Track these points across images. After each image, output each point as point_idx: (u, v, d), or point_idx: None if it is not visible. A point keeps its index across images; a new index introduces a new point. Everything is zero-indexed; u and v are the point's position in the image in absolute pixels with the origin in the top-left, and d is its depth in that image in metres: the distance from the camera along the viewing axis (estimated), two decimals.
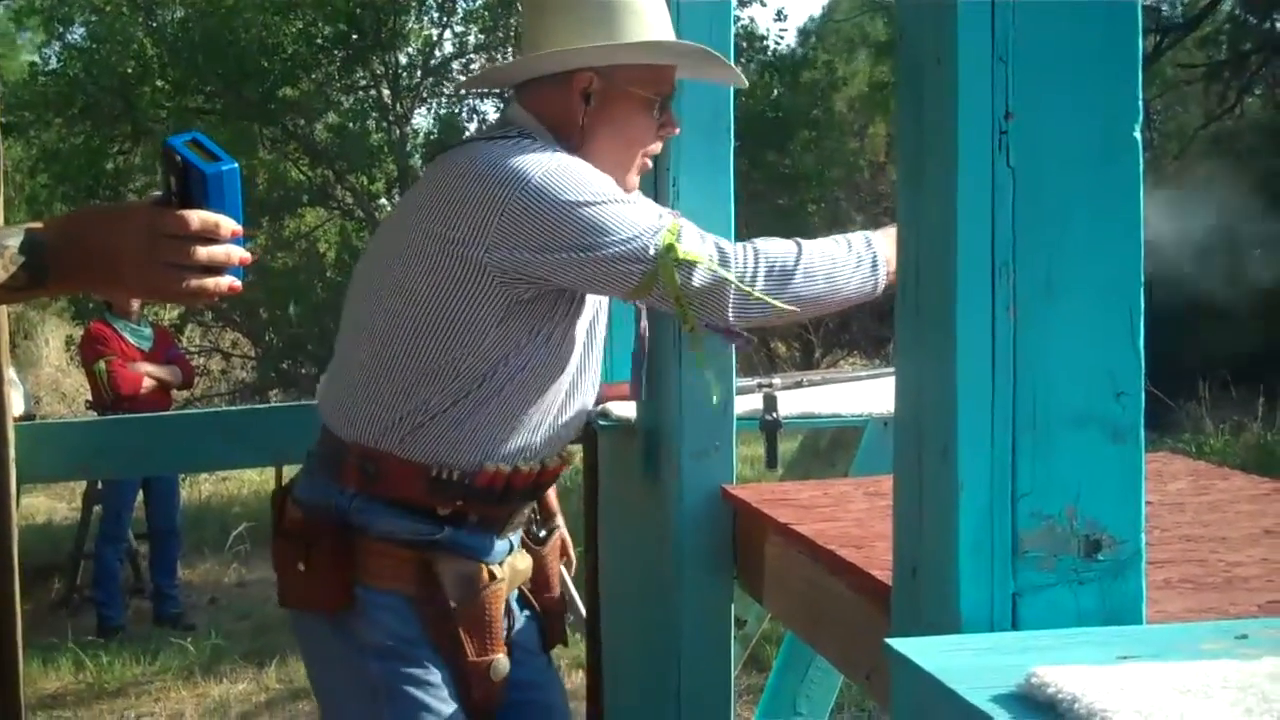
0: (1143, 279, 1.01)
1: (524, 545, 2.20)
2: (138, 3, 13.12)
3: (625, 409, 2.66)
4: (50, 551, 7.84)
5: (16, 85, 13.05)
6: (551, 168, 1.93)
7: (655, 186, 2.35)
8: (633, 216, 1.92)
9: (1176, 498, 2.06)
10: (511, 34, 13.32)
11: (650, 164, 2.14)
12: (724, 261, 1.93)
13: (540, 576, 2.24)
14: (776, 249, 1.98)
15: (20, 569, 3.07)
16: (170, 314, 13.92)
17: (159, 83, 12.94)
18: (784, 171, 13.61)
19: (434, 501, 2.01)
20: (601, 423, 2.76)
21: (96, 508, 7.21)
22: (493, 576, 2.05)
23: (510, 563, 2.12)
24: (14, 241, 1.38)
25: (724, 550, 2.33)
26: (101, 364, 7.02)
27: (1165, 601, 1.44)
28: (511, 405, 2.01)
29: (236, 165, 1.40)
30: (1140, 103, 1.01)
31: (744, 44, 13.54)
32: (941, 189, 1.01)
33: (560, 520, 2.49)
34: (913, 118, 1.09)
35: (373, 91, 13.68)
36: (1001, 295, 0.99)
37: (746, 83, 2.26)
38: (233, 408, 11.16)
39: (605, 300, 2.18)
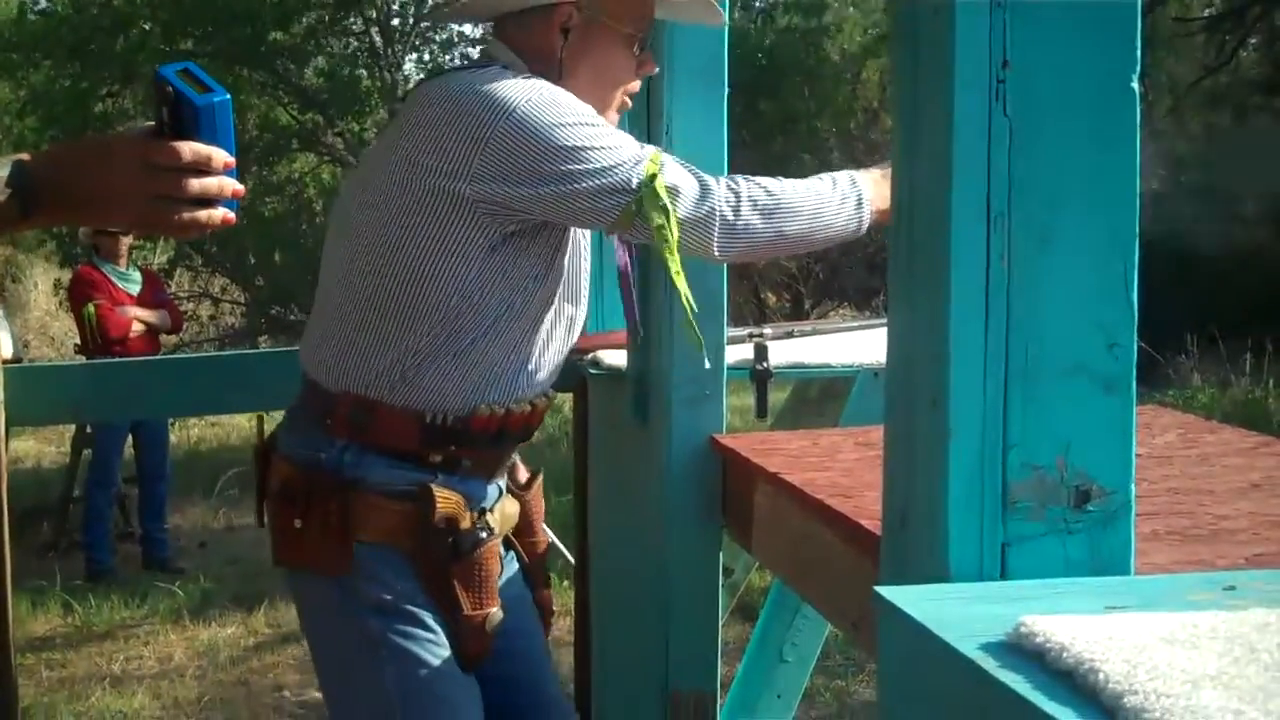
0: (1138, 231, 1.01)
1: (510, 491, 2.19)
2: None
3: (616, 357, 2.66)
4: (39, 495, 7.86)
5: (4, 25, 12.93)
6: (533, 97, 1.90)
7: (649, 132, 2.34)
8: (615, 148, 1.91)
9: (1165, 451, 2.07)
10: None
11: (630, 102, 2.12)
12: (706, 193, 1.92)
13: (525, 521, 2.24)
14: (760, 184, 1.97)
15: (9, 512, 3.06)
16: (159, 259, 13.89)
17: (147, 25, 12.83)
18: (777, 118, 13.56)
19: (427, 448, 1.99)
20: (592, 371, 2.76)
21: (86, 451, 7.22)
22: (488, 527, 2.04)
23: (500, 509, 2.11)
24: (2, 172, 1.36)
25: (713, 499, 2.34)
26: (90, 307, 7.00)
27: (1153, 553, 1.44)
28: (502, 344, 1.99)
29: (229, 97, 1.39)
30: (1139, 53, 1.00)
31: None
32: (937, 138, 1.01)
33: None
34: (908, 66, 1.08)
35: (364, 37, 13.58)
36: (996, 245, 0.99)
37: (725, 19, 2.21)
38: (223, 352, 11.15)
39: (586, 236, 2.17)
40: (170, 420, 8.09)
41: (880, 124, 14.37)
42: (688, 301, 1.96)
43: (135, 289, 7.20)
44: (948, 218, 0.98)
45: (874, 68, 14.50)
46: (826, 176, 2.03)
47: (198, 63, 1.50)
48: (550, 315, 2.04)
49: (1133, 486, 1.04)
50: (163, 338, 7.61)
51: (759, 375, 2.49)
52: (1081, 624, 0.86)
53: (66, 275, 10.33)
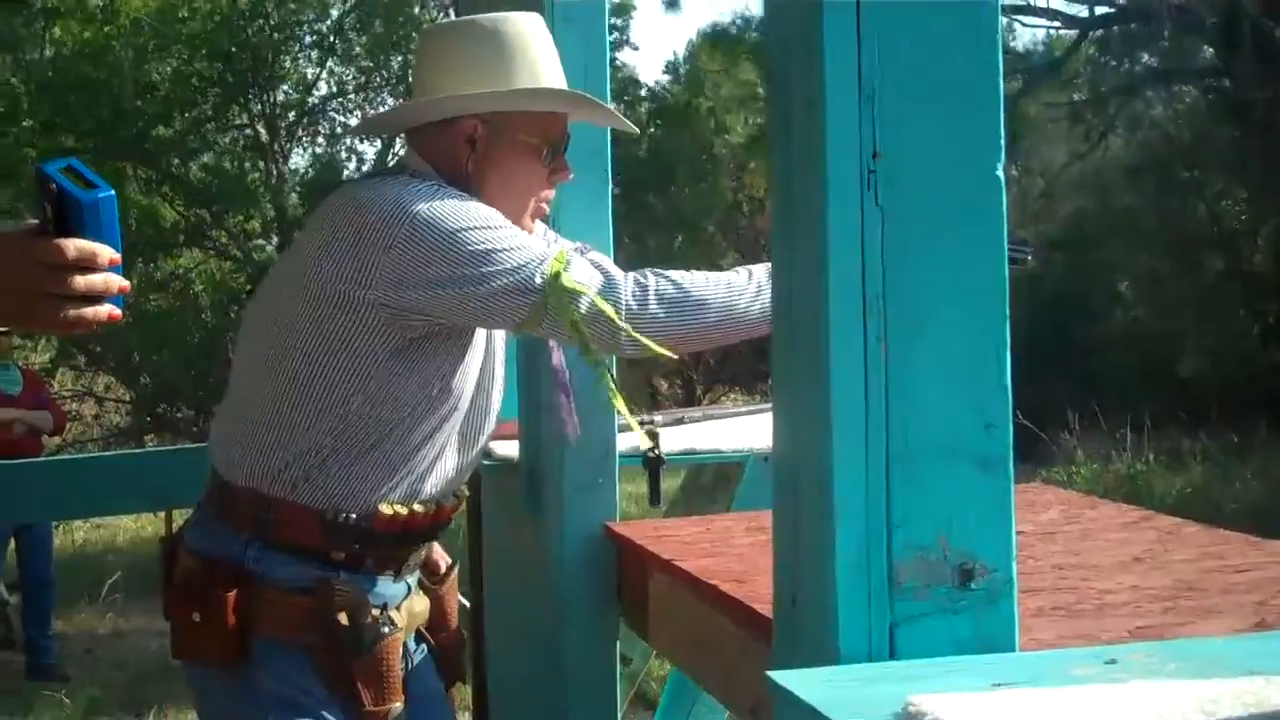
0: (1007, 314, 1.04)
1: (421, 587, 2.17)
2: (3, 39, 12.84)
3: (508, 448, 2.65)
4: None
5: None
6: (436, 204, 1.91)
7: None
8: (518, 249, 1.92)
9: (1048, 527, 2.11)
10: (391, 77, 13.28)
11: (546, 209, 2.13)
12: (612, 289, 1.92)
13: (438, 613, 2.20)
14: (669, 278, 1.98)
15: None
16: (41, 358, 13.59)
17: (26, 122, 12.67)
18: (664, 212, 13.74)
19: (329, 546, 1.97)
20: (485, 462, 2.75)
21: None
22: (391, 622, 2.01)
23: (407, 607, 2.09)
24: None
25: (608, 587, 2.33)
26: None
27: (1038, 629, 1.47)
28: (405, 445, 1.98)
29: (113, 193, 1.38)
30: (1003, 141, 1.04)
31: (620, 87, 13.66)
32: (813, 227, 1.03)
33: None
34: (782, 157, 1.11)
35: (249, 131, 13.54)
36: (873, 330, 1.01)
37: (636, 130, 2.25)
38: (107, 452, 10.91)
39: (500, 336, 2.17)
40: (54, 523, 7.89)
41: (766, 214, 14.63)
42: (613, 390, 2.00)
43: (16, 389, 7.05)
44: (825, 304, 1.00)
45: (760, 158, 14.78)
46: (742, 270, 2.04)
47: (81, 158, 1.49)
48: (458, 417, 2.04)
49: (1014, 564, 1.06)
50: (45, 439, 7.45)
51: (651, 462, 2.50)
52: (968, 701, 0.88)
53: None
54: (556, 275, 1.89)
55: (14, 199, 13.38)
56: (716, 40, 16.18)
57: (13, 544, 6.98)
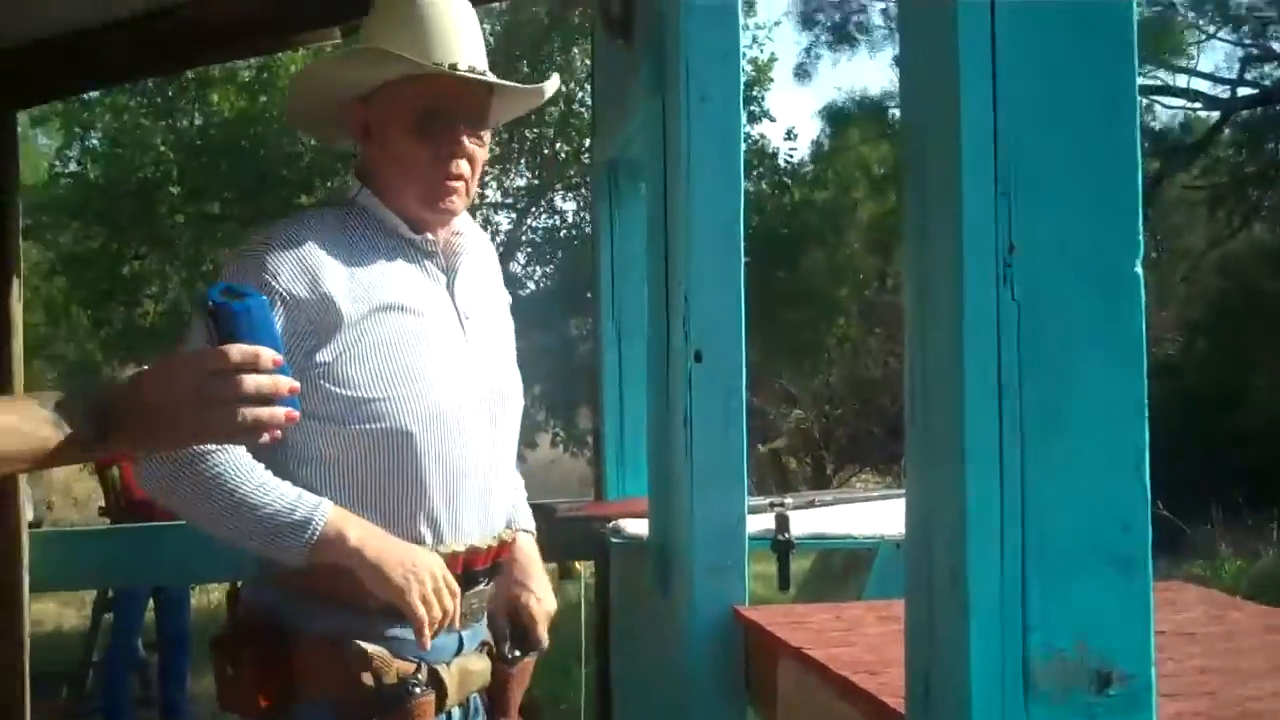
0: (1146, 410, 1.02)
1: (489, 654, 2.11)
2: (158, 108, 13.29)
3: (637, 525, 2.66)
4: (59, 660, 7.77)
5: (35, 188, 13.20)
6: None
7: (667, 302, 2.36)
8: None
9: (1189, 627, 2.05)
10: (522, 149, 13.47)
11: (459, 182, 2.04)
12: None
13: (500, 694, 2.13)
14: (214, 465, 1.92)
15: (29, 677, 3.05)
16: None
17: (175, 189, 13.08)
18: (794, 287, 13.70)
19: (363, 592, 1.91)
20: (613, 539, 2.75)
21: (107, 615, 7.16)
22: (425, 683, 1.96)
23: (460, 664, 2.03)
24: (80, 401, 1.41)
25: (736, 671, 2.31)
26: (114, 470, 7.03)
27: None
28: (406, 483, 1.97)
29: (265, 299, 1.47)
30: (1141, 238, 1.03)
31: (754, 160, 13.69)
32: (948, 320, 1.03)
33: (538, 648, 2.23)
34: (918, 246, 1.11)
35: None
36: (1009, 425, 1.00)
37: (548, 93, 2.18)
38: None
39: (515, 385, 2.15)
40: (191, 585, 8.06)
41: (895, 288, 14.49)
42: None
43: None
44: (961, 399, 1.00)
45: (896, 236, 14.70)
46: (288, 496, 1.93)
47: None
48: (458, 457, 2.01)
49: (1153, 670, 1.03)
50: None
51: (780, 546, 2.49)
52: None
53: None
54: None
55: (162, 261, 13.83)
56: (846, 118, 16.24)
57: (151, 604, 7.14)
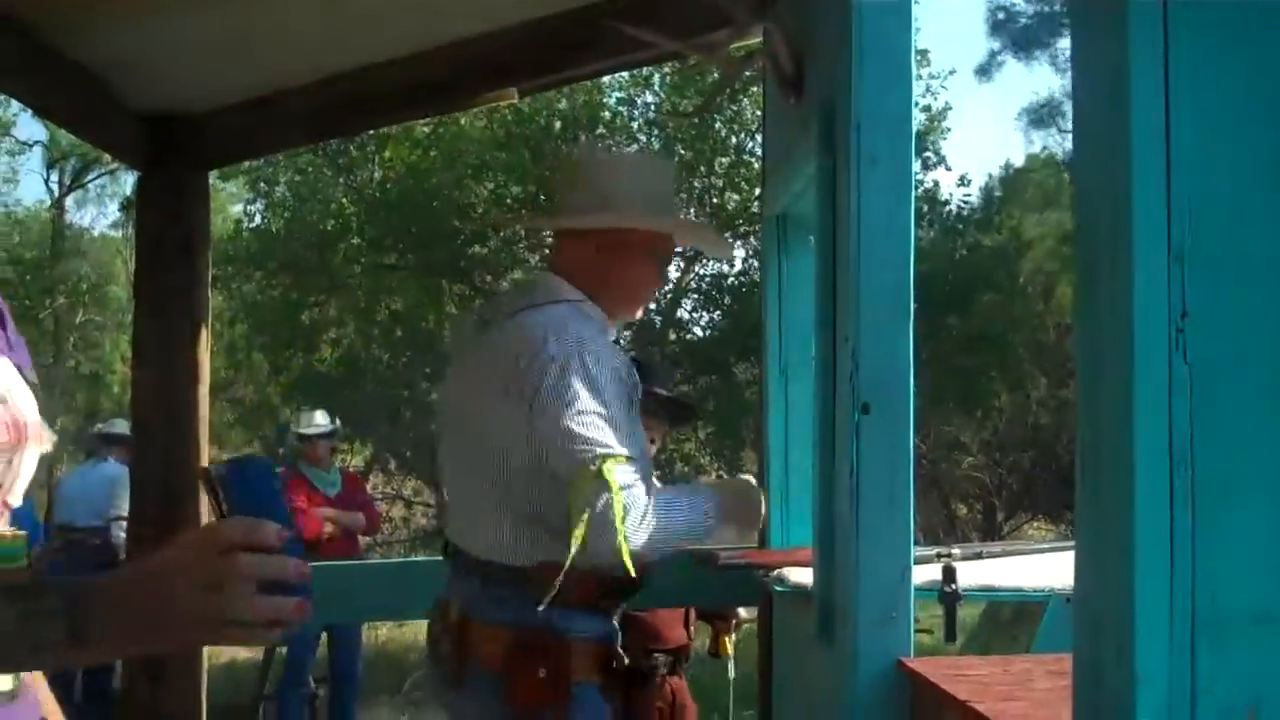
0: None
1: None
2: (338, 163, 13.74)
3: (801, 574, 2.67)
4: (234, 693, 8.03)
5: (222, 240, 13.76)
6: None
7: (835, 354, 2.38)
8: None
9: None
10: (691, 199, 13.58)
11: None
12: (633, 504, 2.43)
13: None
14: (653, 519, 2.48)
15: (205, 708, 3.17)
16: (355, 460, 14.31)
17: (354, 239, 13.47)
18: (965, 334, 13.52)
19: (602, 600, 2.58)
20: (777, 588, 2.77)
21: (279, 650, 7.37)
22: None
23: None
24: (54, 597, 1.23)
25: None
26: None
27: None
28: None
29: (267, 462, 1.31)
30: None
31: (925, 206, 13.59)
32: (1119, 383, 1.04)
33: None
34: (1090, 309, 1.12)
35: None
36: (1180, 490, 1.00)
37: (734, 255, 3.26)
38: (415, 558, 11.35)
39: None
40: (362, 623, 8.25)
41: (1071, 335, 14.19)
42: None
43: (333, 490, 7.44)
44: (1131, 464, 1.00)
45: (1067, 283, 14.41)
46: (698, 503, 2.63)
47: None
48: None
49: None
50: (362, 537, 7.81)
51: (947, 598, 2.46)
52: None
53: None
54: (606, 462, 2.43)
55: (339, 309, 14.25)
56: (1020, 180, 16.03)
57: (324, 638, 7.33)
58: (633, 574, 2.44)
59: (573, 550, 2.41)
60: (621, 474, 2.43)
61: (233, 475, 1.26)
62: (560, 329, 2.53)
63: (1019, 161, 16.96)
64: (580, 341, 2.52)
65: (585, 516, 2.40)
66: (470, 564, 2.62)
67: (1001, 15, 16.45)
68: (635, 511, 2.42)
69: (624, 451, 2.45)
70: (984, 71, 16.34)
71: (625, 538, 2.40)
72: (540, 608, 2.46)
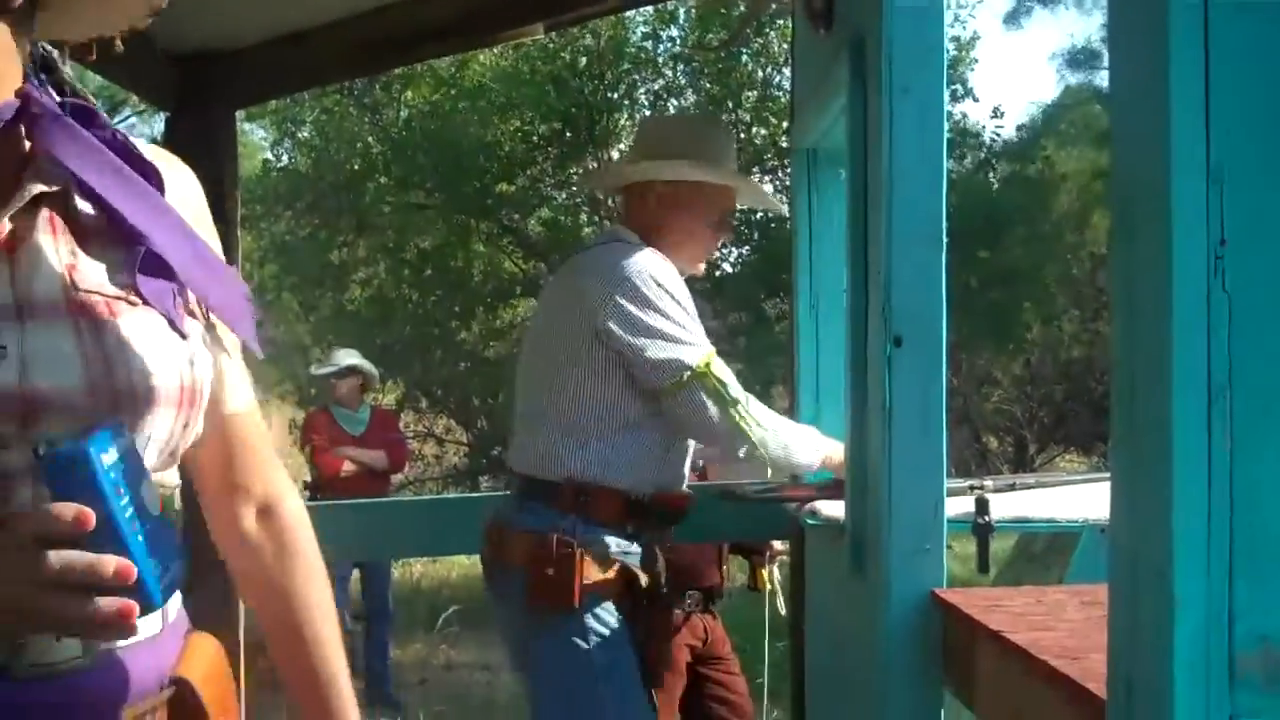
0: None
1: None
2: (364, 103, 13.71)
3: (833, 508, 2.68)
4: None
5: (249, 180, 13.78)
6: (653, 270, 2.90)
7: (867, 288, 2.37)
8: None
9: None
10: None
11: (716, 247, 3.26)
12: (739, 391, 2.82)
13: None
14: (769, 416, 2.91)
15: (243, 646, 3.21)
16: (386, 399, 14.39)
17: (382, 179, 13.47)
18: (996, 266, 13.44)
19: (630, 521, 2.83)
20: (809, 521, 2.78)
21: None
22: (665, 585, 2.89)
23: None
24: None
25: (934, 655, 2.32)
26: (306, 449, 7.32)
27: None
28: (651, 440, 2.88)
29: (84, 448, 1.05)
30: None
31: (957, 139, 13.47)
32: (1156, 313, 1.03)
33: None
34: (1126, 237, 1.11)
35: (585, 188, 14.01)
36: (1218, 419, 1.00)
37: (784, 209, 3.55)
38: (443, 495, 11.45)
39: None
40: (394, 559, 8.33)
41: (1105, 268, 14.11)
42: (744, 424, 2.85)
43: (359, 429, 7.49)
44: (1169, 392, 1.00)
45: (1102, 215, 14.30)
46: (810, 434, 3.01)
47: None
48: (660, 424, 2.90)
49: None
50: (394, 475, 7.87)
51: (980, 529, 2.47)
52: None
53: (301, 416, 10.82)
54: (708, 365, 2.80)
55: (369, 249, 14.26)
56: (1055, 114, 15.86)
57: (357, 574, 7.41)
58: (762, 449, 2.82)
59: (747, 430, 2.83)
60: (719, 368, 2.81)
61: (48, 464, 1.06)
62: (626, 254, 2.87)
63: (1051, 96, 16.78)
64: (650, 262, 2.85)
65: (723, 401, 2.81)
66: (514, 480, 2.95)
67: None
68: (744, 399, 2.83)
69: (711, 349, 2.83)
70: (1013, 19, 16.11)
71: (743, 415, 2.80)
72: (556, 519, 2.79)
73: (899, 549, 2.32)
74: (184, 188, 1.45)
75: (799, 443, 2.94)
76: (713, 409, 2.80)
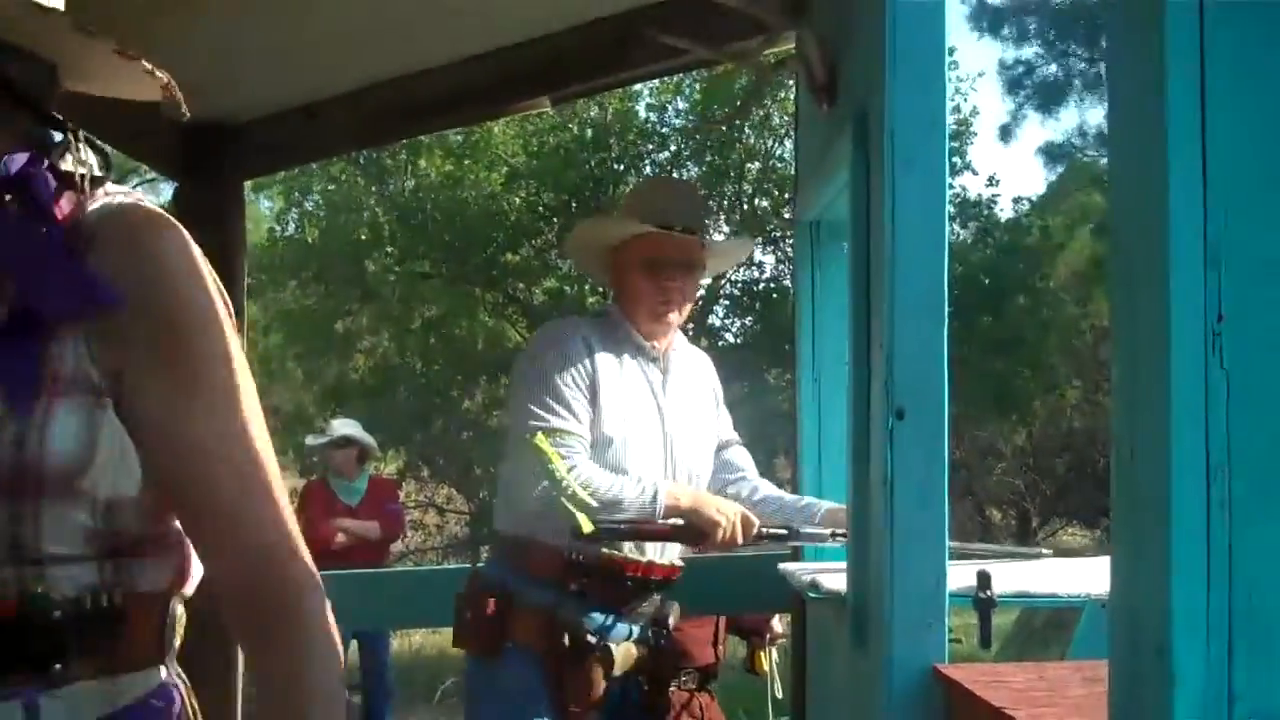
0: None
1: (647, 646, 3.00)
2: (371, 173, 13.79)
3: (834, 581, 2.67)
4: None
5: (256, 249, 13.82)
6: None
7: (869, 360, 2.38)
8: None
9: None
10: (725, 205, 13.57)
11: (663, 310, 3.07)
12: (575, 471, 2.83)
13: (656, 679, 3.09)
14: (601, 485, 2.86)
15: (240, 716, 3.18)
16: (388, 468, 14.35)
17: (388, 248, 13.51)
18: (998, 335, 13.45)
19: (567, 577, 2.86)
20: (811, 594, 2.76)
21: None
22: (606, 649, 2.87)
23: (626, 647, 2.93)
24: None
25: None
26: (300, 520, 7.30)
27: None
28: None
29: None
30: None
31: (957, 211, 13.53)
32: (1155, 387, 1.03)
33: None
34: (1125, 313, 1.12)
35: None
36: (1217, 495, 1.00)
37: (746, 252, 4.03)
38: (442, 567, 11.38)
39: (706, 468, 3.24)
40: (391, 629, 8.27)
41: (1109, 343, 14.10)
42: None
43: (355, 499, 7.48)
44: (1168, 469, 1.00)
45: (1102, 288, 14.31)
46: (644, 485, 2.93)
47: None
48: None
49: None
50: (393, 544, 7.83)
51: (982, 604, 2.46)
52: None
53: (300, 485, 10.77)
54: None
55: (374, 318, 14.29)
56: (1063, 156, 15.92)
57: (355, 644, 7.36)
58: (585, 528, 2.73)
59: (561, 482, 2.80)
60: (556, 443, 2.84)
61: None
62: (546, 329, 3.09)
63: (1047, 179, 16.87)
64: (557, 338, 2.97)
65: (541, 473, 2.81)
66: None
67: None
68: (577, 470, 2.82)
69: (562, 426, 2.85)
70: (1006, 133, 16.28)
71: (566, 486, 2.78)
72: (479, 565, 3.06)
73: (901, 623, 2.31)
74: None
75: (616, 478, 2.92)
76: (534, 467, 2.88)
